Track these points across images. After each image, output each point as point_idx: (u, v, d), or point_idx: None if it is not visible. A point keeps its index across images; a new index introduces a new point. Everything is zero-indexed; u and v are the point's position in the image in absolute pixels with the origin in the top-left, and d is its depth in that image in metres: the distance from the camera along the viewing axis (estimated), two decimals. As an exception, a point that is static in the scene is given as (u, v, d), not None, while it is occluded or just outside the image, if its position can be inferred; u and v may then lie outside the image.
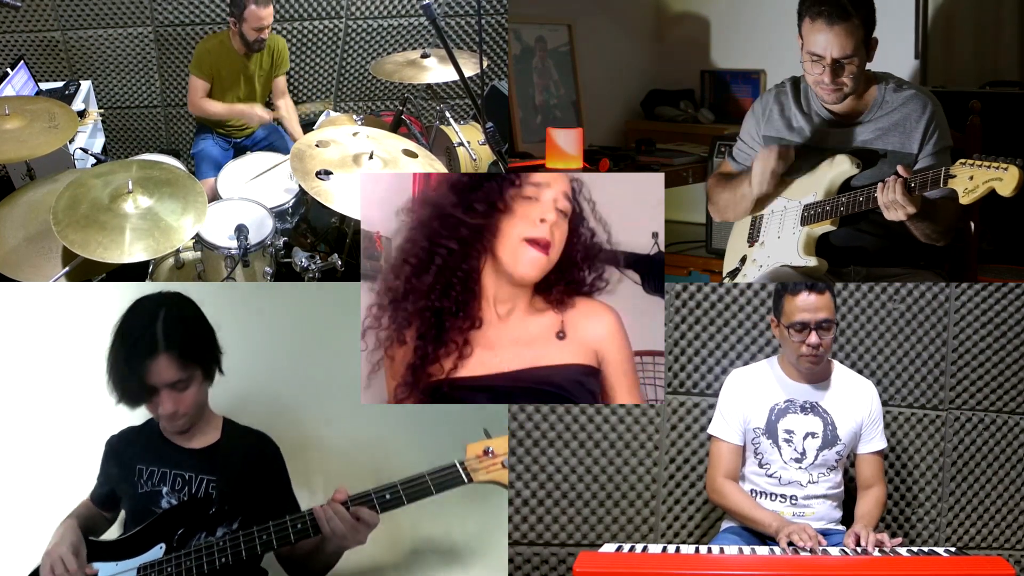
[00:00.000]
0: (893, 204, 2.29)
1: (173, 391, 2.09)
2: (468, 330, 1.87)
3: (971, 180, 2.16)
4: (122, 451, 2.22)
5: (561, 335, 1.89)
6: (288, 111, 4.05)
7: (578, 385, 1.88)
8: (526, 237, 1.85)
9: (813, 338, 2.26)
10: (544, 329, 1.90)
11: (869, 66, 2.46)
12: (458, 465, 2.07)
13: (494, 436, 2.10)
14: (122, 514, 2.24)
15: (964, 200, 2.18)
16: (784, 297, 2.31)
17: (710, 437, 2.44)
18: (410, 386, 1.88)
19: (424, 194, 1.97)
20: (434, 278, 1.87)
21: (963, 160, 2.19)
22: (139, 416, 2.21)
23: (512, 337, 1.89)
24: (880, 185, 2.31)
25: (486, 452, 2.07)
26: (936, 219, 2.38)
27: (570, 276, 1.92)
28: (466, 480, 2.06)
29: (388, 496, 2.04)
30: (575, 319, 1.90)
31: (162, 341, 2.07)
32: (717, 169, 2.91)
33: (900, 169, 2.29)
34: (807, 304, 2.26)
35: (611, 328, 1.90)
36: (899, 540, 2.11)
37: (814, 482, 2.31)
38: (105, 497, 2.24)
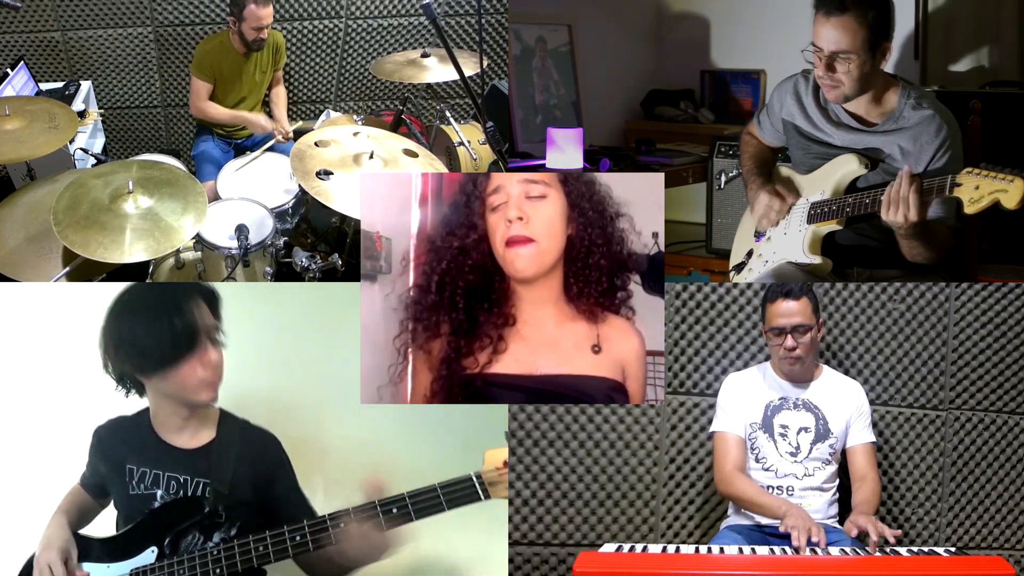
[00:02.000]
0: (902, 201, 2.25)
1: (212, 343, 2.03)
2: (502, 326, 1.93)
3: (976, 190, 2.15)
4: (110, 445, 2.15)
5: (597, 349, 1.94)
6: (279, 97, 4.08)
7: (607, 398, 1.96)
8: (505, 243, 1.92)
9: (789, 341, 2.37)
10: (579, 338, 1.94)
11: (897, 72, 2.46)
12: (474, 479, 1.92)
13: (498, 443, 2.01)
14: (116, 514, 2.18)
15: (969, 210, 2.16)
16: (765, 304, 2.42)
17: (712, 435, 2.47)
18: (444, 380, 1.92)
19: (426, 233, 2.05)
20: (436, 295, 1.94)
21: (969, 169, 2.17)
22: (131, 407, 2.15)
23: (548, 340, 1.94)
24: (892, 184, 2.28)
25: (505, 464, 1.92)
26: (927, 241, 2.37)
27: (588, 261, 1.95)
28: (482, 496, 1.92)
29: (395, 510, 1.91)
30: (609, 335, 1.96)
31: (193, 288, 2.07)
32: (747, 127, 2.91)
33: (904, 171, 2.27)
34: (783, 310, 2.37)
35: (638, 349, 1.97)
36: (898, 532, 2.13)
37: (809, 475, 2.36)
38: (96, 486, 2.19)
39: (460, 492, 1.92)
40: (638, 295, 2.08)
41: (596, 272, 1.95)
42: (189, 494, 2.06)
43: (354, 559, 1.94)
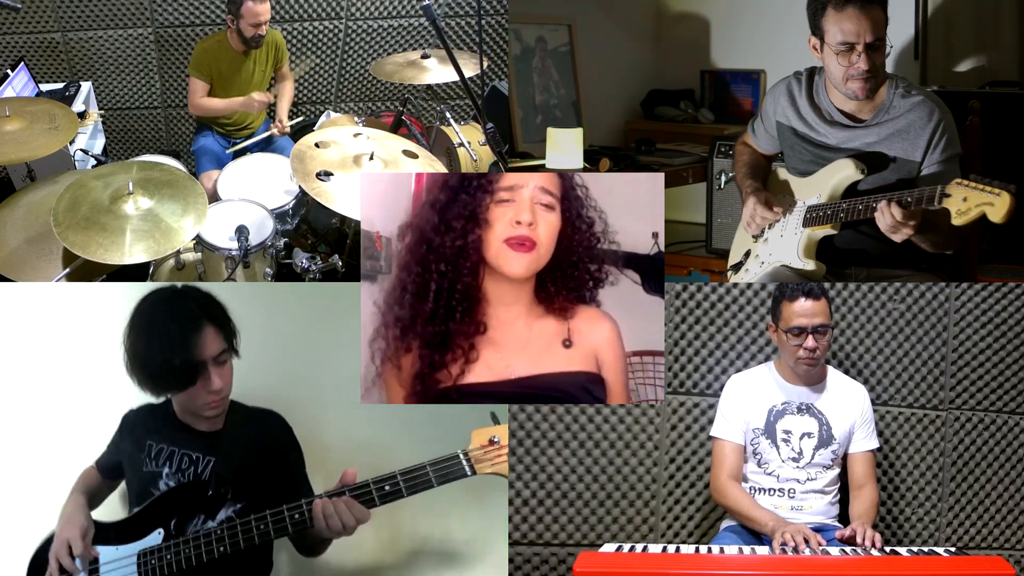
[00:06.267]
0: (896, 227, 2.28)
1: (218, 366, 2.10)
2: (473, 335, 1.90)
3: (964, 202, 2.15)
4: (136, 426, 2.23)
5: (568, 343, 1.92)
6: (284, 91, 4.08)
7: (584, 391, 1.93)
8: (506, 240, 1.88)
9: (810, 342, 2.31)
10: (550, 336, 1.93)
11: (898, 72, 2.46)
12: (461, 456, 2.00)
13: (501, 423, 2.04)
14: (127, 493, 2.26)
15: (956, 221, 2.16)
16: (782, 303, 2.36)
17: (712, 439, 2.46)
18: (419, 396, 1.91)
19: (411, 221, 1.99)
20: (434, 303, 1.90)
21: (959, 180, 2.17)
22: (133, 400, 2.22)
23: (518, 342, 1.92)
24: (877, 215, 2.31)
25: (492, 441, 2.00)
26: (940, 231, 2.37)
27: (570, 272, 1.93)
28: (469, 472, 2.00)
29: (387, 488, 2.00)
30: (579, 327, 1.93)
31: (202, 314, 2.10)
32: (741, 137, 2.92)
33: (883, 205, 2.29)
34: (804, 310, 2.31)
35: (610, 335, 1.95)
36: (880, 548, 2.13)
37: (812, 479, 2.35)
38: (111, 466, 2.27)
39: (448, 469, 2.00)
40: (638, 295, 2.08)
41: (575, 282, 1.94)
42: (199, 471, 2.14)
43: (337, 533, 2.03)
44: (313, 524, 2.00)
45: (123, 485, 2.29)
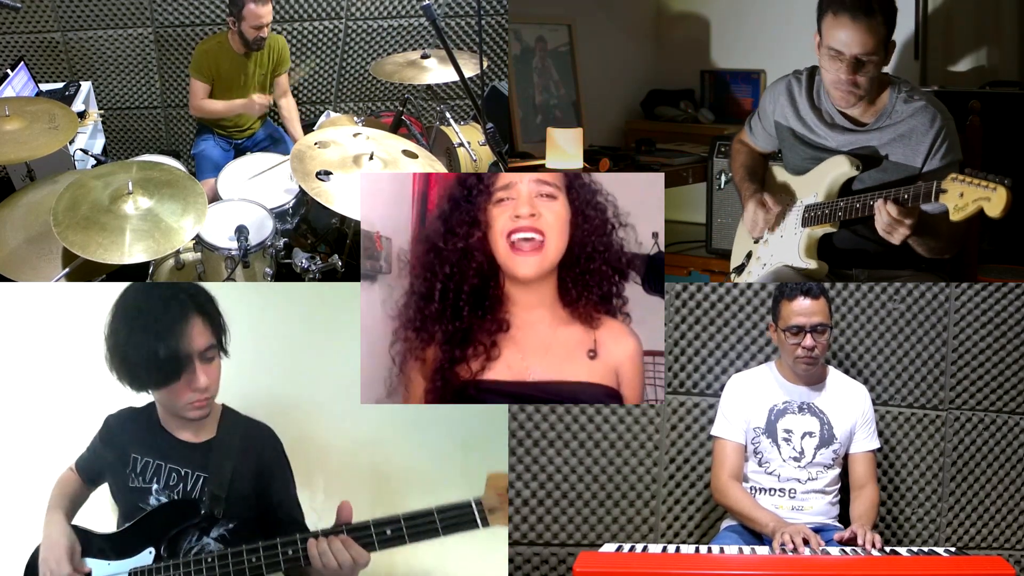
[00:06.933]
0: (893, 226, 2.27)
1: (204, 362, 2.01)
2: (496, 333, 1.91)
3: (961, 197, 2.13)
4: (118, 432, 2.14)
5: (592, 354, 1.92)
6: (290, 111, 4.04)
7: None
8: (510, 235, 1.89)
9: (808, 341, 2.32)
10: (574, 343, 1.93)
11: (897, 72, 2.44)
12: (474, 506, 1.88)
13: (497, 450, 2.00)
14: (116, 508, 2.19)
15: (955, 217, 2.15)
16: (781, 302, 2.37)
17: (713, 439, 2.46)
18: (439, 389, 1.91)
19: (420, 233, 2.01)
20: (440, 304, 1.91)
21: (954, 175, 2.16)
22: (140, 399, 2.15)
23: (541, 345, 1.92)
24: (875, 213, 2.30)
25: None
26: (938, 235, 2.36)
27: (587, 266, 1.93)
28: (480, 524, 1.88)
29: (389, 532, 1.91)
30: (605, 340, 1.94)
31: (191, 304, 2.01)
32: (738, 135, 2.91)
33: (880, 203, 2.28)
34: (802, 309, 2.32)
35: (634, 352, 1.95)
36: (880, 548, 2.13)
37: (813, 479, 2.35)
38: (92, 472, 2.19)
39: (457, 518, 1.90)
40: (638, 295, 2.08)
41: (596, 277, 1.93)
42: (188, 488, 2.07)
43: (334, 573, 1.93)
44: (308, 563, 1.91)
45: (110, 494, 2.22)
